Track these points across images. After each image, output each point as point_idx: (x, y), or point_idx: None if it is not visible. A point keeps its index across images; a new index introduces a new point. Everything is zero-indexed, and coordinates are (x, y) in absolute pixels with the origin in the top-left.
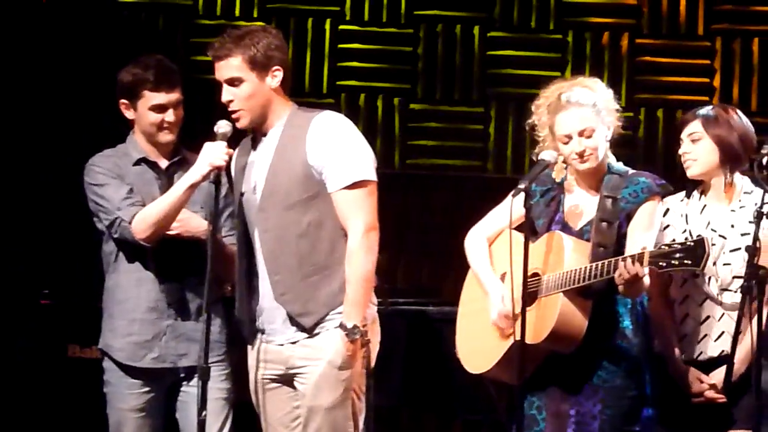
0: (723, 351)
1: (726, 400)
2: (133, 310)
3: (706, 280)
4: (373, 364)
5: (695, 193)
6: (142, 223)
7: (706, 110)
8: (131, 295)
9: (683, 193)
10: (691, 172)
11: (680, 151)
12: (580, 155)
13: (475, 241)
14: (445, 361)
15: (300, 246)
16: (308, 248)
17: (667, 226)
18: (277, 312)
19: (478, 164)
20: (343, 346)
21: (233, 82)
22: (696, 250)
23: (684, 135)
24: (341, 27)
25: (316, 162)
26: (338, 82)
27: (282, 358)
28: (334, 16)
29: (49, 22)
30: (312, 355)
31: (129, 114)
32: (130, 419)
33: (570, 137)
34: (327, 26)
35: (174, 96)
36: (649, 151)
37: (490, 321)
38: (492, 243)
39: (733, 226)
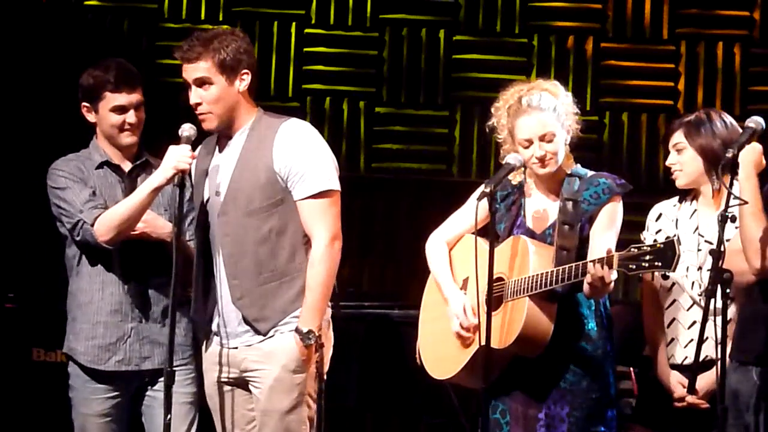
0: (707, 356)
1: (708, 406)
2: (96, 313)
3: (690, 284)
4: (326, 368)
5: (687, 199)
6: (104, 226)
7: (688, 118)
8: (95, 298)
9: (676, 198)
10: (679, 182)
11: (667, 162)
12: (541, 160)
13: (436, 246)
14: (408, 364)
15: (259, 252)
16: (268, 254)
17: (659, 231)
18: (234, 315)
19: (443, 168)
20: (298, 350)
21: (202, 84)
22: (666, 252)
23: (670, 145)
24: (307, 30)
25: (281, 169)
26: (304, 86)
27: (236, 361)
28: (300, 19)
29: (13, 25)
30: (266, 358)
31: (91, 117)
32: (94, 424)
33: (531, 141)
34: (293, 30)
35: (135, 97)
36: (614, 154)
37: (453, 326)
38: (452, 247)
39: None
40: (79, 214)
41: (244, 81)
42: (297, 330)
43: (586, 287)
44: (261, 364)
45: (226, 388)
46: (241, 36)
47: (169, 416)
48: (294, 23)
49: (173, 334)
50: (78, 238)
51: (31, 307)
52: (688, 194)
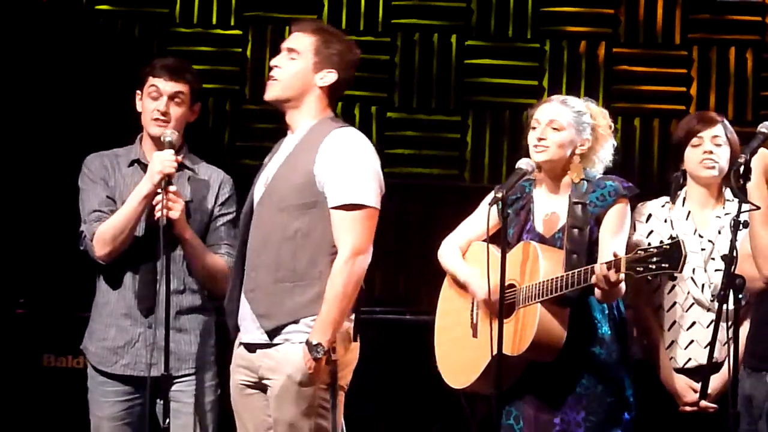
0: (715, 359)
1: (717, 408)
2: (109, 314)
3: (699, 286)
4: (344, 381)
5: (678, 199)
6: (100, 242)
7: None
8: (111, 299)
9: (663, 198)
10: (712, 173)
11: (702, 150)
12: (539, 145)
13: (449, 250)
14: (421, 370)
15: (282, 250)
16: (289, 254)
17: (651, 232)
18: (247, 308)
19: (455, 173)
20: (305, 363)
21: (292, 51)
22: (673, 253)
23: (706, 135)
24: None
25: (319, 173)
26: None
27: (254, 367)
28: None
29: (26, 29)
30: (276, 368)
31: (138, 105)
32: (107, 427)
33: (539, 122)
34: None
35: (172, 86)
36: (626, 159)
37: (468, 335)
38: (464, 254)
39: (720, 231)
40: (83, 225)
41: (326, 77)
42: (307, 342)
43: (597, 292)
44: (272, 373)
45: (248, 391)
46: (355, 51)
47: (167, 420)
48: None
49: (168, 339)
50: (82, 248)
51: (41, 312)
52: (677, 195)
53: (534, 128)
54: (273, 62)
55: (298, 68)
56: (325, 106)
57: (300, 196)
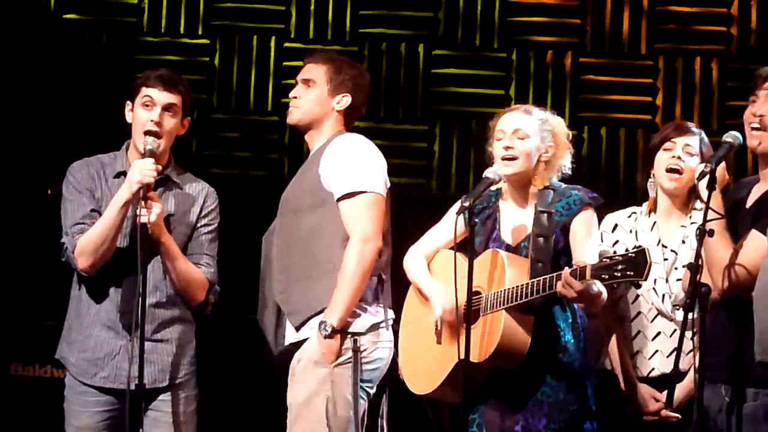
0: (678, 368)
1: (680, 418)
2: (90, 325)
3: (659, 296)
4: (369, 375)
5: (643, 210)
6: (81, 255)
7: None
8: (91, 310)
9: (630, 209)
10: (675, 177)
11: (671, 155)
12: (506, 154)
13: (414, 258)
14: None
15: (299, 249)
16: (305, 252)
17: (616, 241)
18: (283, 312)
19: (422, 182)
20: (317, 342)
21: (308, 82)
22: (637, 261)
23: (679, 142)
24: (286, 44)
25: (324, 173)
26: (283, 100)
27: (294, 372)
28: (279, 33)
29: None
30: (297, 357)
31: (129, 116)
32: None
33: (504, 132)
34: (272, 44)
35: (166, 96)
36: (592, 168)
37: (431, 341)
38: (430, 262)
39: (684, 241)
40: (65, 237)
41: (342, 101)
42: (320, 322)
43: (574, 302)
44: (295, 365)
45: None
46: (365, 74)
47: (140, 430)
48: (273, 37)
49: (143, 350)
50: (63, 260)
51: (9, 321)
52: (641, 205)
53: (499, 139)
54: (291, 94)
55: (315, 95)
56: (340, 128)
57: (309, 197)
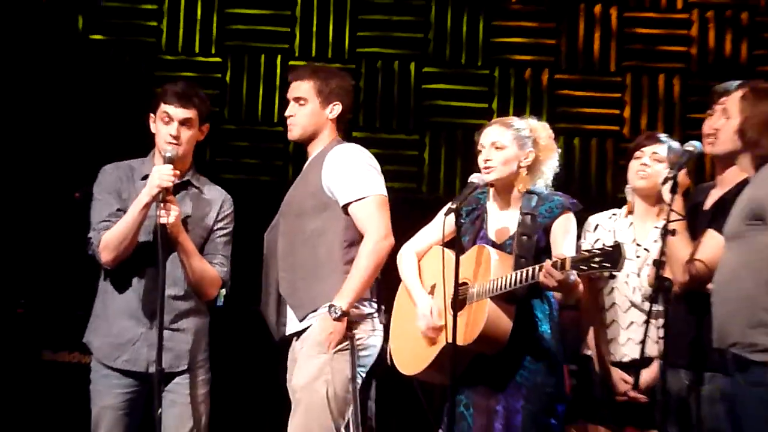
0: (646, 354)
1: (647, 400)
2: (114, 313)
3: (632, 289)
4: (363, 361)
5: (623, 212)
6: (105, 249)
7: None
8: (116, 300)
9: (611, 211)
10: (642, 182)
11: (640, 162)
12: (485, 165)
13: (407, 257)
14: (381, 358)
15: (303, 249)
16: (309, 252)
17: (597, 240)
18: (285, 304)
19: (413, 186)
20: (323, 321)
21: (299, 100)
22: (613, 254)
23: (648, 150)
24: (291, 62)
25: (326, 183)
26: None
27: (294, 349)
28: (284, 52)
29: (28, 56)
30: (299, 345)
31: (152, 127)
32: (108, 416)
33: (484, 146)
34: (278, 61)
35: (182, 112)
36: (567, 174)
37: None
38: (422, 258)
39: (656, 240)
40: (92, 232)
41: (334, 109)
42: (329, 306)
43: (555, 292)
44: (297, 353)
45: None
46: (346, 77)
47: (159, 410)
48: (279, 56)
49: (161, 336)
50: (89, 253)
51: (40, 311)
52: (624, 208)
53: (480, 151)
54: (287, 113)
55: (309, 111)
56: (336, 134)
57: (312, 201)
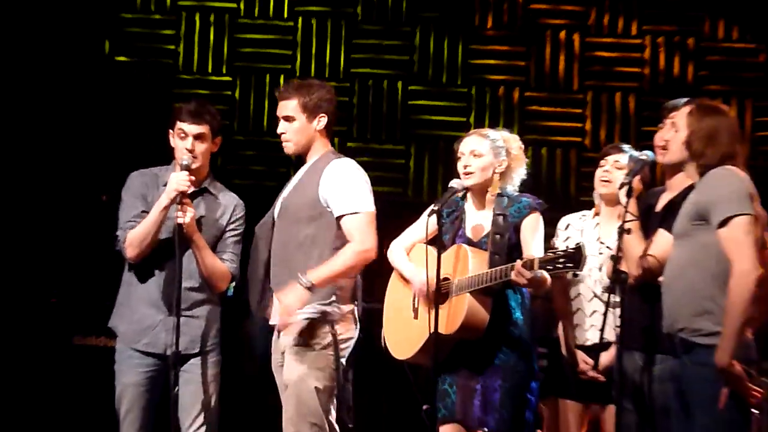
0: (605, 338)
1: (605, 380)
2: (137, 302)
3: (593, 282)
4: (344, 353)
5: (590, 213)
6: (130, 246)
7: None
8: (139, 290)
9: (581, 213)
10: (604, 187)
11: (603, 170)
12: (465, 171)
13: (396, 250)
14: (374, 345)
15: (297, 254)
16: (302, 257)
17: (568, 238)
18: (276, 299)
19: (399, 190)
20: (293, 289)
21: (288, 118)
22: (575, 255)
23: (610, 159)
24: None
25: (322, 194)
26: None
27: (281, 348)
28: (287, 72)
29: (62, 75)
30: (287, 341)
31: (172, 141)
32: (130, 391)
33: (464, 154)
34: (281, 81)
35: (195, 128)
36: (535, 180)
37: (410, 317)
38: (408, 253)
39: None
40: (119, 231)
41: (321, 121)
42: (300, 274)
43: (525, 287)
44: (286, 347)
45: (279, 364)
46: (327, 88)
47: (177, 388)
48: (282, 76)
49: (179, 323)
50: (117, 249)
51: (71, 301)
52: (592, 210)
53: (460, 158)
54: (279, 131)
55: (297, 127)
56: (326, 142)
57: (308, 210)
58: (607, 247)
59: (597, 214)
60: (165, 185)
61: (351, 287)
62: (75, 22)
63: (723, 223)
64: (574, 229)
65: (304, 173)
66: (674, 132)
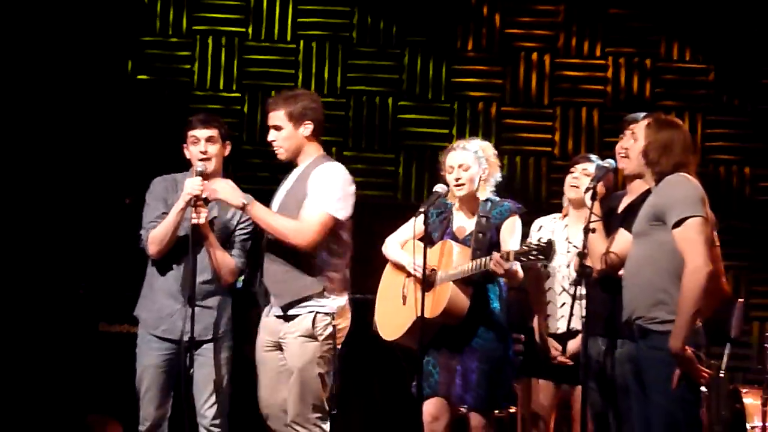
0: (573, 327)
1: (573, 363)
2: (157, 293)
3: (563, 277)
4: (339, 341)
5: (559, 216)
6: (151, 243)
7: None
8: (159, 282)
9: (552, 215)
10: (573, 191)
11: (572, 176)
12: (457, 183)
13: (391, 244)
14: (366, 333)
15: (287, 248)
16: (292, 251)
17: (540, 237)
18: (270, 292)
19: (390, 194)
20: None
21: (276, 127)
22: (546, 249)
23: (578, 167)
24: None
25: (311, 193)
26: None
27: (276, 330)
28: (290, 89)
29: (89, 92)
30: (290, 330)
31: (187, 153)
32: (150, 372)
33: (453, 168)
34: None
35: (205, 132)
36: (510, 185)
37: (399, 303)
38: (401, 248)
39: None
40: (143, 230)
41: (307, 128)
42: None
43: (502, 277)
44: (288, 334)
45: (268, 347)
46: (312, 96)
47: (191, 370)
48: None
49: (194, 312)
50: (140, 246)
51: (97, 292)
52: (561, 213)
53: (450, 172)
54: (270, 139)
55: (286, 135)
56: (316, 146)
57: (297, 211)
58: (575, 246)
59: (566, 215)
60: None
61: (341, 280)
62: (101, 45)
63: (678, 224)
64: (546, 230)
65: (296, 177)
66: (634, 141)
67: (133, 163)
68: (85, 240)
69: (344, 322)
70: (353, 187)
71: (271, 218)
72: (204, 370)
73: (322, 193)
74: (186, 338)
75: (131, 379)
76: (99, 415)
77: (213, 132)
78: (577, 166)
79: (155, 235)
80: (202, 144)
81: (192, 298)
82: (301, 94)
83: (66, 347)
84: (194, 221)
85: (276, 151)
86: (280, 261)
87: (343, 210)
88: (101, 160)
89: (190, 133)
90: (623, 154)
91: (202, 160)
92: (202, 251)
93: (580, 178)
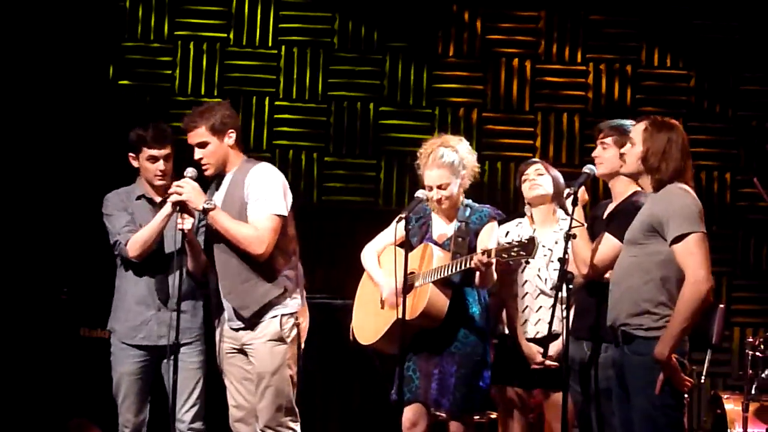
0: (554, 331)
1: (558, 365)
2: (129, 302)
3: (542, 280)
4: (303, 342)
5: (526, 220)
6: (133, 246)
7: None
8: (129, 291)
9: (517, 220)
10: (538, 192)
11: (528, 181)
12: (438, 201)
13: (368, 254)
14: (343, 336)
15: (237, 259)
16: (247, 260)
17: (520, 234)
18: (228, 305)
19: (372, 200)
20: (274, 325)
21: (201, 144)
22: (528, 245)
23: (530, 171)
24: (276, 102)
25: (248, 197)
26: (274, 141)
27: (238, 336)
28: (271, 95)
29: (70, 97)
30: (258, 336)
31: (134, 163)
32: (126, 379)
33: (432, 188)
34: (266, 102)
35: (164, 152)
36: (491, 190)
37: (377, 308)
38: (380, 254)
39: (557, 242)
40: (117, 236)
41: (231, 138)
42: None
43: (477, 276)
44: (254, 340)
45: (231, 353)
46: (226, 105)
47: (176, 375)
48: (267, 98)
49: (179, 318)
50: (116, 253)
51: (79, 298)
52: (524, 217)
53: (431, 190)
54: (196, 157)
55: (211, 150)
56: (238, 153)
57: (241, 216)
58: (549, 249)
59: (533, 222)
60: (137, 198)
61: (296, 276)
62: (83, 50)
63: (677, 239)
64: (512, 235)
65: (228, 186)
66: (630, 146)
67: (113, 167)
68: (67, 245)
69: (305, 320)
70: (286, 181)
71: (232, 225)
72: (181, 374)
73: (264, 196)
74: (170, 342)
75: (112, 384)
76: (80, 420)
77: (169, 150)
78: (527, 171)
79: (137, 239)
80: (161, 163)
81: (178, 303)
82: (215, 106)
83: (47, 352)
84: (179, 227)
85: (204, 168)
86: (235, 272)
87: (287, 206)
88: (83, 165)
89: (147, 151)
90: (597, 158)
91: (158, 176)
92: (172, 258)
93: (536, 178)
